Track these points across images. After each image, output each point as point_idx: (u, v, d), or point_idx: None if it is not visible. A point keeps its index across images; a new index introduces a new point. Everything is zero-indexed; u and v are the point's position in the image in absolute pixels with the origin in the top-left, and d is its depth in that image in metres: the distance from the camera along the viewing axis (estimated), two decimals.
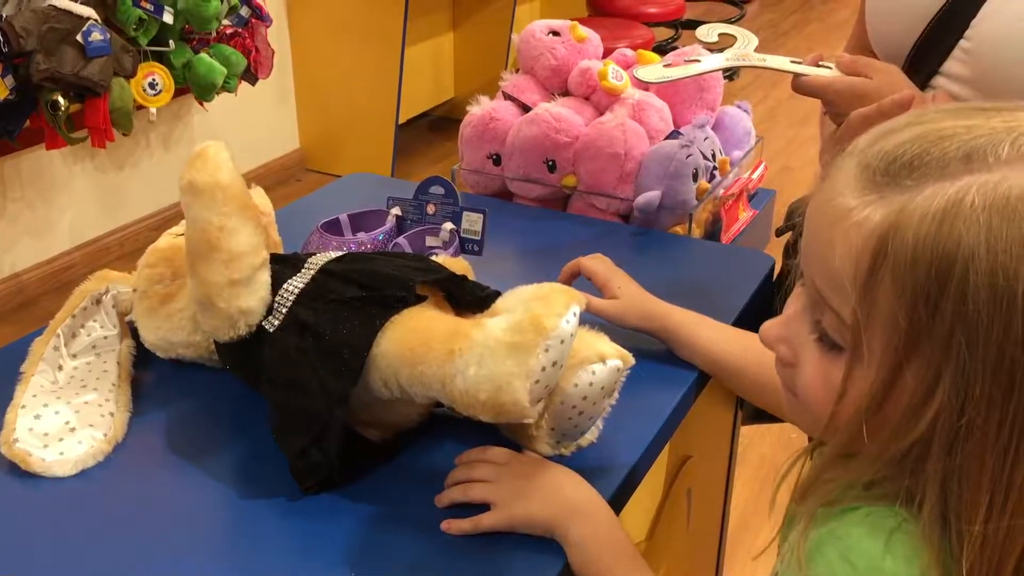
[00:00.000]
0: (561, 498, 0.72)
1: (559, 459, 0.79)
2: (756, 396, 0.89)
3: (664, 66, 1.05)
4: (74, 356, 0.86)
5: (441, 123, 3.99)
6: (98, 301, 0.88)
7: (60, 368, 0.85)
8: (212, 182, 0.77)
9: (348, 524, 0.73)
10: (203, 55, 2.64)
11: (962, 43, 0.94)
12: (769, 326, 0.59)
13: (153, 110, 2.60)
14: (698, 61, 1.02)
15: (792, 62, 0.98)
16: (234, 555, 0.71)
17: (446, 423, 0.83)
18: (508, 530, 0.72)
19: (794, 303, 0.58)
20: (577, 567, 0.70)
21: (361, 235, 1.09)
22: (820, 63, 0.97)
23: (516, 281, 0.80)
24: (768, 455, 2.11)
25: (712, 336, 0.90)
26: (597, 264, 0.95)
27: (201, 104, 2.84)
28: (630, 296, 0.92)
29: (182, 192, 0.78)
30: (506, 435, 0.81)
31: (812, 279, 0.54)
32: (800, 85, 0.95)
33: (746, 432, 2.12)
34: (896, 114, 0.87)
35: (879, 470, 0.53)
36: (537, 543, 0.71)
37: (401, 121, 3.41)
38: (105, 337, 0.88)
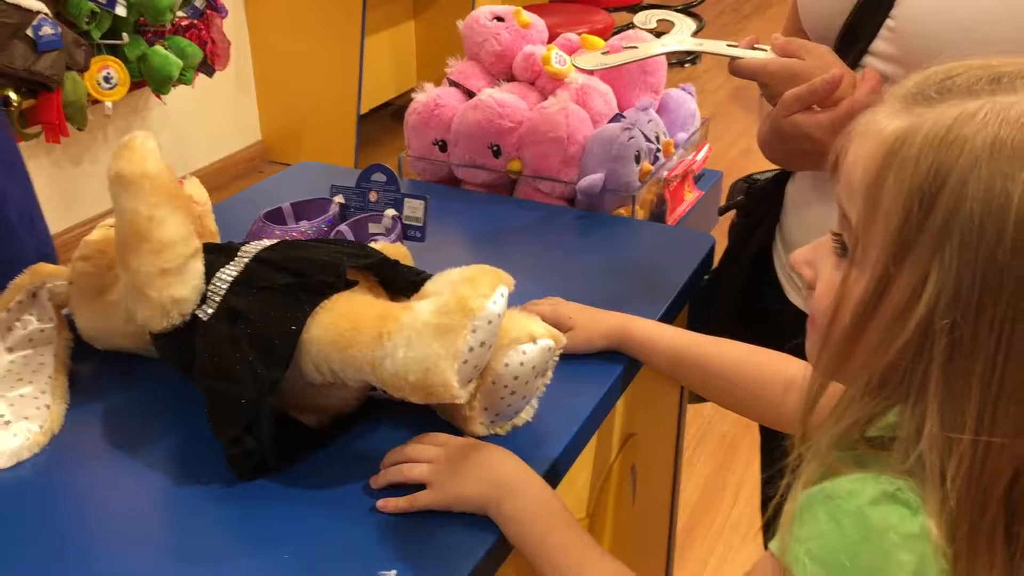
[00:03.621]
0: (492, 475, 0.73)
1: (494, 439, 0.80)
2: (719, 394, 0.89)
3: (603, 53, 1.05)
4: (10, 350, 0.86)
5: (403, 113, 3.98)
6: (34, 295, 0.88)
7: None
8: (139, 172, 0.77)
9: (284, 508, 0.74)
10: (158, 47, 2.63)
11: (888, 22, 0.95)
12: (798, 251, 0.60)
13: (109, 104, 2.58)
14: (635, 48, 1.03)
15: (728, 45, 0.99)
16: (171, 543, 0.71)
17: (382, 407, 0.84)
18: (443, 508, 0.73)
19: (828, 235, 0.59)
20: (514, 541, 0.71)
21: (303, 223, 1.09)
22: (755, 46, 0.99)
23: (459, 266, 0.81)
24: (729, 433, 2.13)
25: (674, 342, 0.90)
26: (542, 307, 0.93)
27: (159, 97, 2.82)
28: (584, 322, 0.91)
29: (110, 183, 0.78)
30: (442, 417, 0.82)
31: (838, 195, 0.56)
32: (736, 68, 0.97)
33: (707, 411, 2.15)
34: (827, 93, 0.89)
35: (872, 395, 0.53)
36: (469, 520, 0.72)
37: (364, 111, 3.41)
38: (42, 330, 0.88)
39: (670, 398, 1.20)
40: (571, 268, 1.09)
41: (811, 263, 0.59)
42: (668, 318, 1.01)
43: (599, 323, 0.91)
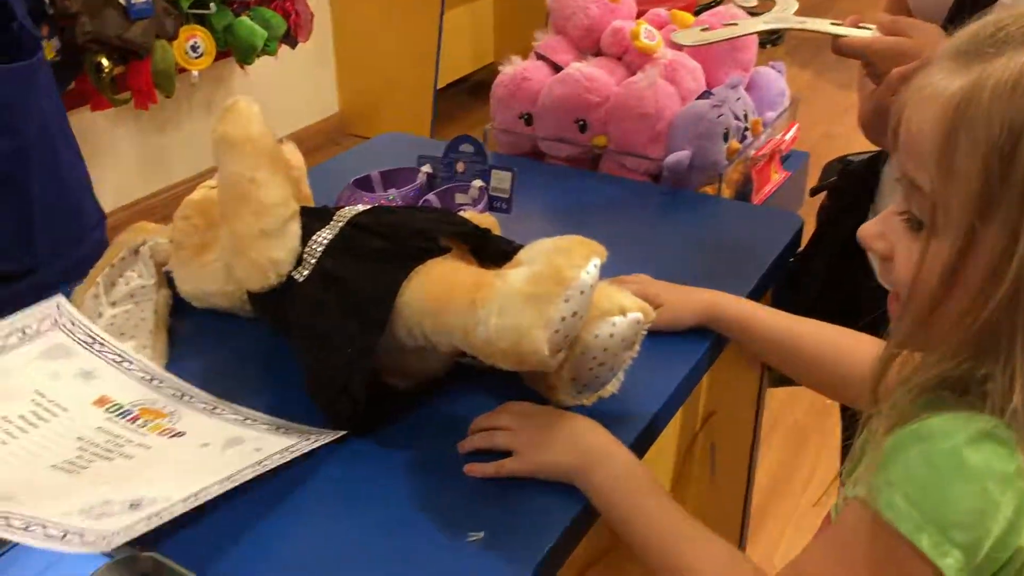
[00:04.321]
0: (580, 445, 0.74)
1: (580, 409, 0.80)
2: (808, 375, 0.88)
3: (701, 30, 1.04)
4: (113, 304, 0.89)
5: (481, 87, 3.98)
6: (136, 251, 0.91)
7: (100, 315, 0.88)
8: (243, 135, 0.79)
9: (374, 469, 0.75)
10: (244, 18, 2.67)
11: None
12: (867, 225, 0.59)
13: (195, 73, 2.64)
14: (735, 24, 1.02)
15: (832, 24, 0.98)
16: (261, 497, 0.73)
17: (469, 374, 0.85)
18: (529, 475, 0.74)
19: (891, 205, 0.59)
20: (602, 509, 0.72)
21: (392, 191, 1.11)
22: (860, 24, 0.97)
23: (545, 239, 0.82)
24: (801, 420, 2.11)
25: (767, 322, 0.88)
26: (629, 285, 0.90)
27: (242, 67, 2.88)
28: (673, 299, 0.90)
29: (214, 145, 0.80)
30: (528, 385, 0.82)
31: (902, 165, 0.56)
32: (840, 46, 0.95)
33: (781, 397, 2.12)
34: None
35: (958, 355, 0.53)
36: (556, 487, 0.73)
37: (440, 86, 3.42)
38: (143, 287, 0.91)
39: (750, 379, 1.19)
40: (655, 245, 1.09)
41: (883, 236, 0.58)
42: (753, 298, 1.00)
43: (688, 300, 0.90)
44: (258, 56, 2.77)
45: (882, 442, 0.53)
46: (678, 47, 1.29)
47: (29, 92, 0.94)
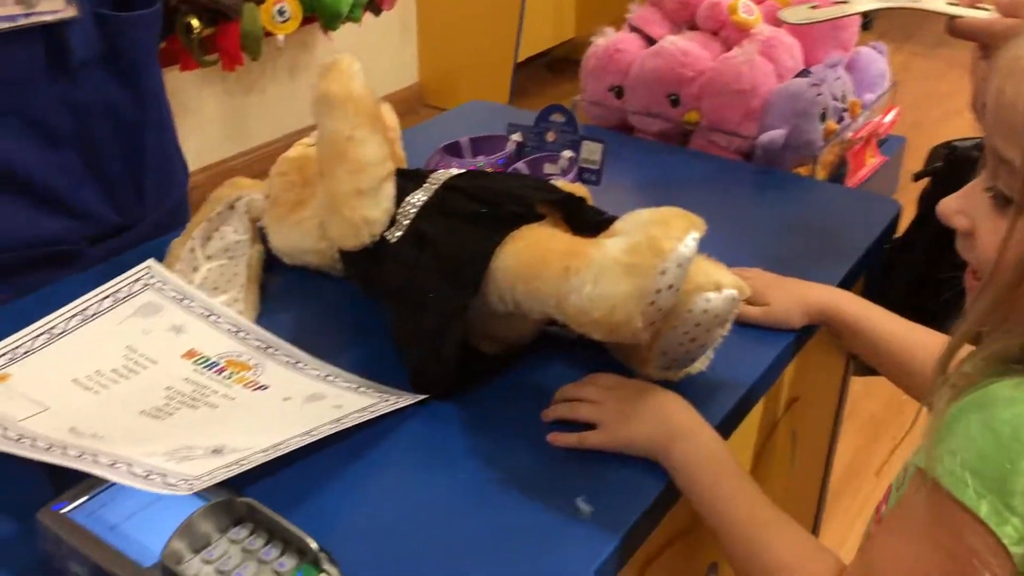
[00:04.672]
0: (664, 420, 0.73)
1: (667, 384, 0.79)
2: (919, 389, 0.82)
3: (809, 7, 1.01)
4: (208, 258, 0.91)
5: (559, 63, 3.96)
6: (232, 206, 0.93)
7: (195, 269, 0.89)
8: (344, 93, 0.79)
9: (460, 432, 0.75)
10: None
11: None
12: (947, 200, 0.58)
13: (281, 37, 2.67)
14: (845, 3, 0.98)
15: (948, 3, 0.94)
16: (348, 452, 0.74)
17: (556, 342, 0.84)
18: (612, 450, 0.73)
19: (974, 181, 0.57)
20: (683, 487, 0.71)
21: (481, 158, 1.11)
22: (976, 5, 0.93)
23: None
24: (877, 414, 2.06)
25: (884, 326, 0.85)
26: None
27: (326, 33, 2.89)
28: (782, 298, 0.86)
29: (315, 102, 0.81)
30: (616, 357, 0.82)
31: (990, 139, 0.54)
32: (956, 27, 0.91)
33: (857, 388, 2.08)
34: None
35: None
36: (640, 463, 0.72)
37: (520, 59, 3.40)
38: (237, 241, 0.92)
39: (836, 366, 1.16)
40: (746, 225, 1.07)
41: (964, 211, 0.57)
42: (846, 284, 0.97)
43: (802, 296, 0.86)
44: (343, 22, 2.78)
45: (944, 412, 0.53)
46: (776, 23, 1.26)
47: (149, 41, 0.96)
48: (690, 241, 0.71)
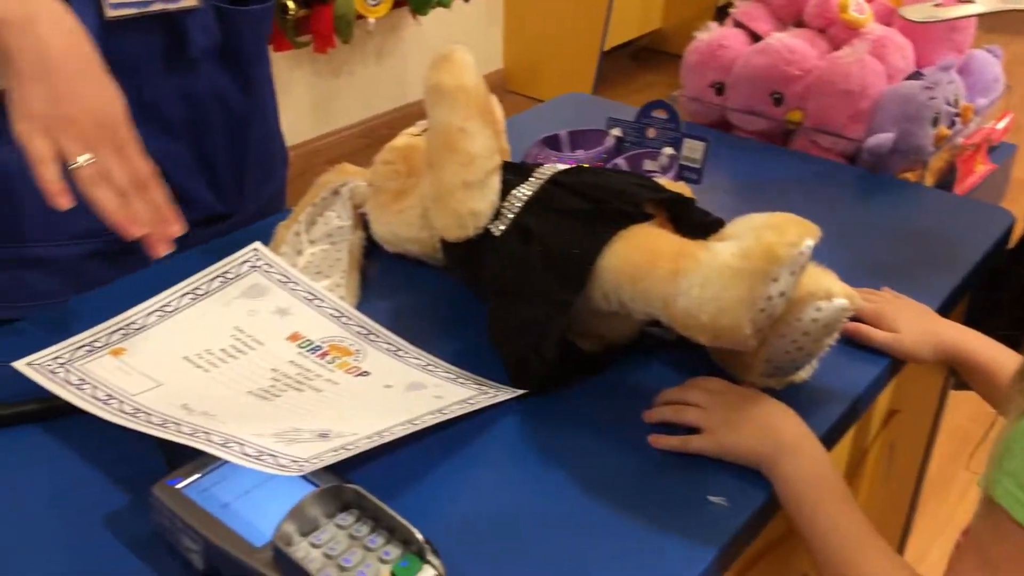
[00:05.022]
0: (772, 432, 0.71)
1: (769, 392, 0.78)
2: None
3: (934, 5, 0.98)
4: (312, 242, 0.92)
5: (644, 54, 3.92)
6: (336, 192, 0.94)
7: (299, 253, 0.91)
8: (456, 85, 0.79)
9: (559, 428, 0.75)
10: None
11: None
12: None
13: (372, 21, 2.70)
14: (973, 2, 0.94)
15: None
16: (444, 442, 0.74)
17: (656, 343, 0.83)
18: (715, 456, 0.72)
19: None
20: (785, 502, 0.69)
21: (580, 152, 1.10)
22: None
23: (732, 213, 0.79)
24: (963, 426, 1.99)
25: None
26: (865, 304, 0.84)
27: (415, 17, 2.91)
28: (914, 329, 0.83)
29: (427, 93, 0.81)
30: (717, 362, 0.80)
31: None
32: None
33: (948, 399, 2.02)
34: None
35: None
36: (743, 470, 0.71)
37: (605, 49, 3.38)
38: (340, 227, 0.93)
39: (935, 379, 1.13)
40: (849, 231, 1.04)
41: None
42: (955, 299, 0.95)
43: (935, 333, 0.83)
44: (432, 7, 2.80)
45: (1009, 429, 0.52)
46: (888, 22, 1.22)
47: (262, 36, 0.98)
48: (805, 248, 0.70)
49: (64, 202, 0.73)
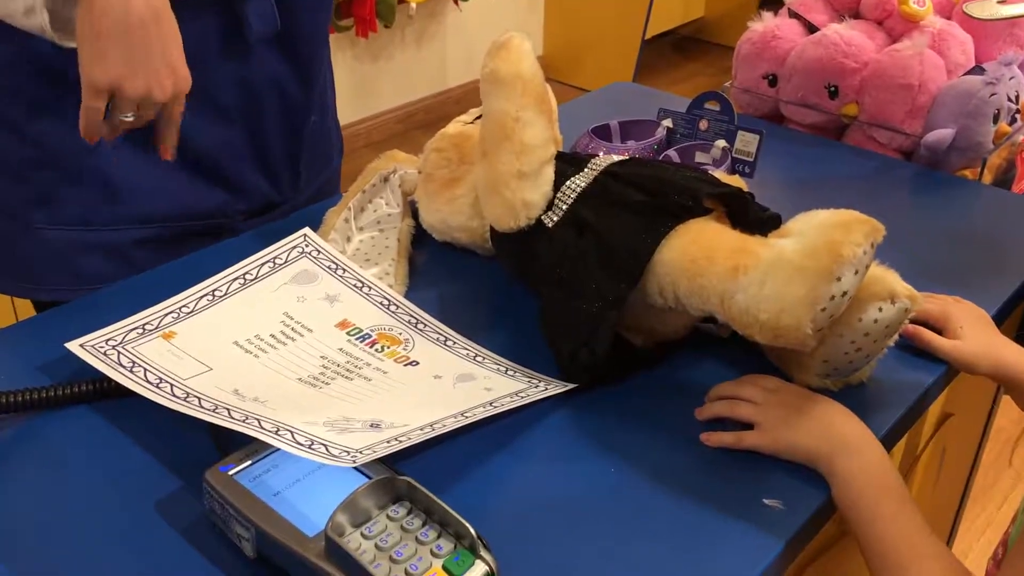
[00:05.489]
0: (830, 430, 0.70)
1: (826, 393, 0.76)
2: None
3: (998, 1, 0.95)
4: (361, 229, 0.91)
5: (686, 43, 3.88)
6: (386, 179, 0.93)
7: (348, 240, 0.90)
8: (514, 73, 0.78)
9: (610, 422, 0.74)
10: None
11: None
12: None
13: (413, 5, 2.69)
14: None
15: None
16: (493, 435, 0.73)
17: (708, 340, 0.82)
18: (769, 453, 0.71)
19: None
20: (841, 502, 0.68)
21: (631, 143, 1.08)
22: None
23: (785, 208, 0.77)
24: (1006, 429, 1.96)
25: None
26: (931, 305, 0.83)
27: (456, 3, 2.90)
28: (978, 341, 0.81)
29: (483, 80, 0.80)
30: (773, 361, 0.79)
31: None
32: None
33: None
34: None
35: None
36: (800, 469, 0.69)
37: (647, 36, 3.34)
38: (389, 214, 0.92)
39: (989, 382, 1.10)
40: (905, 228, 1.01)
41: None
42: (1016, 300, 0.92)
43: (996, 349, 0.80)
44: None
45: None
46: (948, 15, 1.19)
47: (321, 23, 0.97)
48: (869, 247, 0.68)
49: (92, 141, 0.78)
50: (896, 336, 0.76)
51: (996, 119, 1.10)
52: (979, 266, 0.95)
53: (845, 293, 0.68)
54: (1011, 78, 1.15)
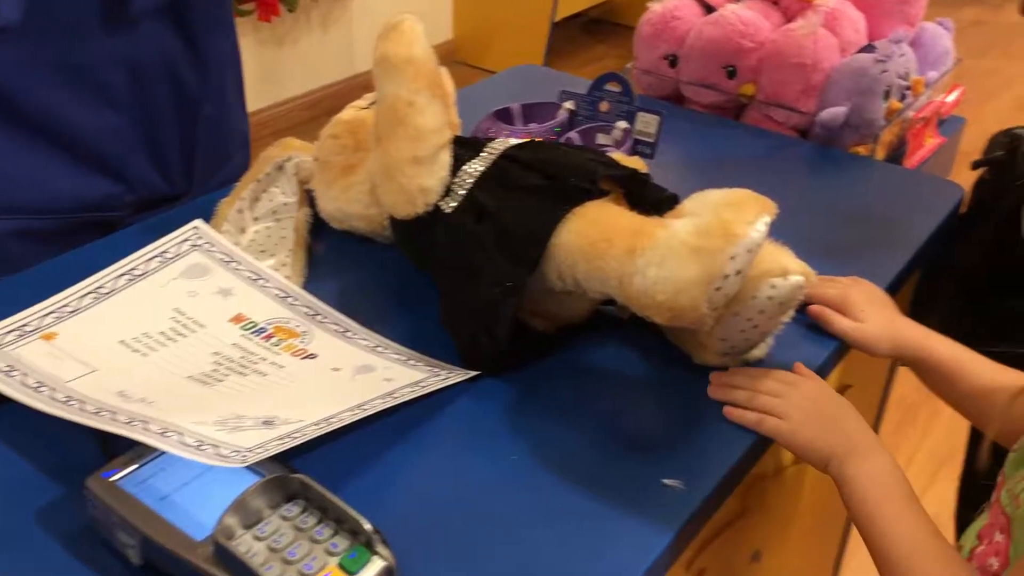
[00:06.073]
0: (847, 431, 0.71)
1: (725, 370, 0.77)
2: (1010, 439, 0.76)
3: None
4: (256, 220, 0.88)
5: (595, 25, 3.89)
6: (281, 167, 0.90)
7: (243, 231, 0.87)
8: (406, 56, 0.76)
9: (512, 410, 0.73)
10: None
11: None
12: None
13: None
14: None
15: None
16: (393, 426, 0.72)
17: (610, 323, 0.82)
18: (782, 443, 0.72)
19: None
20: (849, 503, 0.68)
21: (532, 126, 1.08)
22: None
23: (684, 188, 0.78)
24: (908, 397, 2.03)
25: (974, 373, 0.78)
26: (830, 290, 0.83)
27: None
28: (879, 321, 0.81)
29: (375, 64, 0.78)
30: (673, 341, 0.79)
31: None
32: None
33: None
34: None
35: None
36: (695, 455, 0.70)
37: (556, 19, 3.34)
38: (285, 204, 0.90)
39: None
40: (801, 206, 1.03)
41: None
42: (907, 273, 0.95)
43: (897, 330, 0.81)
44: None
45: None
46: None
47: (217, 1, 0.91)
48: (761, 226, 0.69)
49: None
50: (791, 312, 0.77)
51: (887, 96, 1.13)
52: (872, 240, 0.97)
53: (739, 272, 0.68)
54: (901, 56, 1.17)
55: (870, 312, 0.82)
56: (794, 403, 0.72)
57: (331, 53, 3.03)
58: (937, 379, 0.80)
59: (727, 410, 0.73)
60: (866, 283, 0.85)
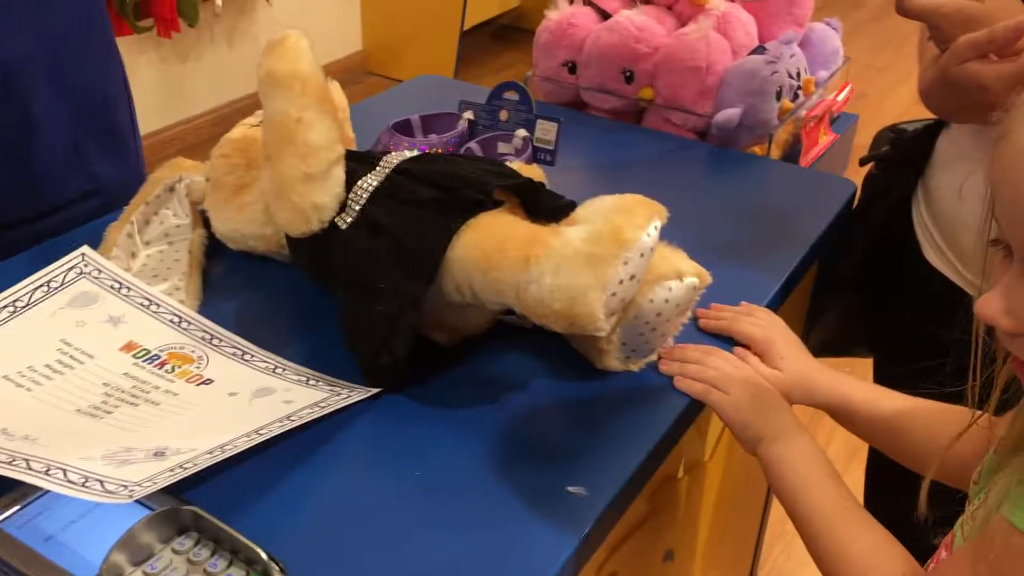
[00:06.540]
0: (780, 416, 0.75)
1: (628, 375, 0.78)
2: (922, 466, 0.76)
3: None
4: (147, 244, 0.86)
5: (505, 32, 3.91)
6: (172, 189, 0.88)
7: (134, 256, 0.85)
8: (291, 72, 0.75)
9: (415, 425, 0.73)
10: None
11: None
12: (986, 302, 0.54)
13: (219, 2, 2.59)
14: None
15: None
16: (293, 450, 0.71)
17: (512, 332, 0.82)
18: (723, 417, 0.76)
19: (1003, 274, 0.54)
20: (774, 481, 0.72)
21: (432, 137, 1.07)
22: None
23: (586, 194, 0.78)
24: None
25: (886, 412, 0.79)
26: (756, 329, 0.83)
27: None
28: (795, 370, 0.81)
29: (260, 81, 0.76)
30: (576, 348, 0.80)
31: (1013, 231, 0.52)
32: (906, 7, 0.89)
33: None
34: (1009, 41, 0.82)
35: None
36: (598, 461, 0.70)
37: (465, 28, 3.35)
38: (178, 226, 0.87)
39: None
40: (700, 206, 1.05)
41: (1010, 312, 0.53)
42: (803, 268, 0.97)
43: (810, 381, 0.81)
44: None
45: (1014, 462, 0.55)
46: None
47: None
48: (652, 230, 0.69)
49: None
50: (688, 314, 0.79)
51: (779, 96, 1.16)
52: (769, 237, 0.99)
53: (633, 276, 0.69)
54: (791, 56, 1.20)
55: (789, 360, 0.82)
56: (739, 383, 0.76)
57: (237, 68, 2.98)
58: (853, 423, 0.82)
59: (677, 380, 0.77)
60: (780, 322, 0.85)
